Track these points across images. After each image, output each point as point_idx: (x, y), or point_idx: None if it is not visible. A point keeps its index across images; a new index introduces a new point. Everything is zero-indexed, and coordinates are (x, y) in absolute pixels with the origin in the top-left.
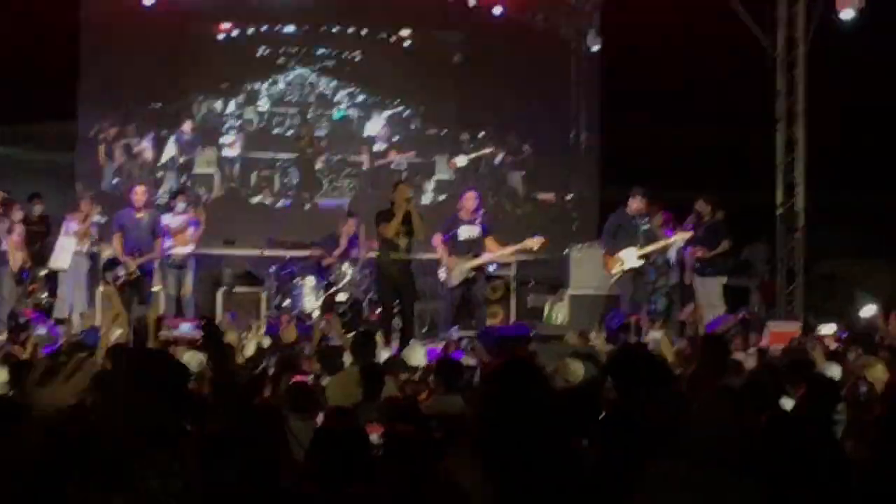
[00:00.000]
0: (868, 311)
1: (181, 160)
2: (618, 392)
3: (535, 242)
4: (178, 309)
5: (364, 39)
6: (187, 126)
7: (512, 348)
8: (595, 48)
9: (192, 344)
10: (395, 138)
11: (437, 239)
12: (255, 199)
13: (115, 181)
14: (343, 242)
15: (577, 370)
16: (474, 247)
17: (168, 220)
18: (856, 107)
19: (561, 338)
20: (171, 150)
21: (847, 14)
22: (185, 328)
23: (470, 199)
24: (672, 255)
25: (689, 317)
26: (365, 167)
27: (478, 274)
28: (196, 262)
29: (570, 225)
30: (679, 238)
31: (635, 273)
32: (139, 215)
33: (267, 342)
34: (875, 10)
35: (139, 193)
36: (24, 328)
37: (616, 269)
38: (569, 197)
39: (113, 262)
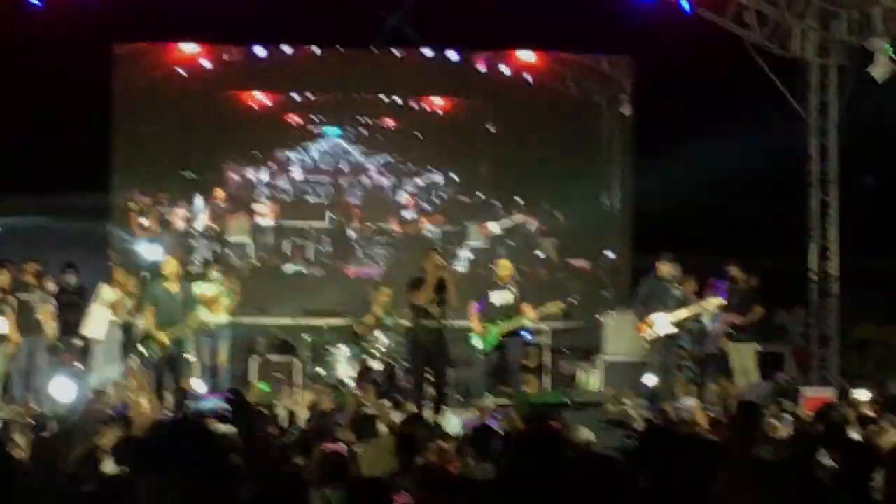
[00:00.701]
0: None
1: (214, 229)
2: (651, 472)
3: (555, 306)
4: (214, 378)
5: (397, 107)
6: (220, 194)
7: (545, 417)
8: (627, 113)
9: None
10: (428, 206)
11: (473, 307)
12: (289, 268)
13: (148, 250)
14: (377, 311)
15: (585, 435)
16: (509, 312)
17: (203, 289)
18: (888, 170)
19: (595, 404)
20: (203, 219)
21: (880, 75)
22: (211, 403)
23: (504, 268)
24: (706, 321)
25: (722, 385)
26: (397, 235)
27: (512, 340)
28: (230, 330)
29: (603, 291)
30: (712, 305)
31: (668, 339)
32: (171, 287)
33: (302, 410)
34: None
35: (171, 265)
36: None
37: (648, 335)
38: (602, 263)
39: (148, 337)
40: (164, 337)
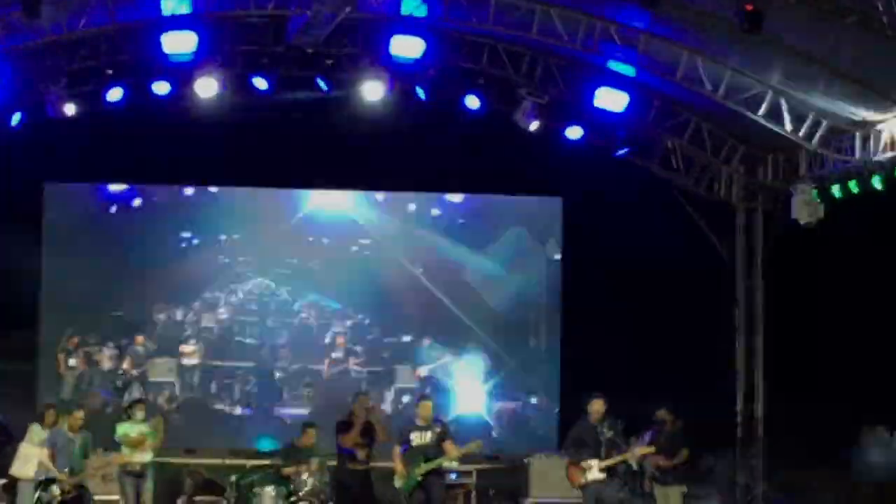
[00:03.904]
0: None
1: (134, 372)
2: None
3: (474, 444)
4: None
5: (324, 247)
6: (139, 339)
7: None
8: (556, 256)
9: None
10: (356, 347)
11: (395, 450)
12: (217, 407)
13: (74, 390)
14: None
15: None
16: (428, 451)
17: (126, 429)
18: (815, 315)
19: None
20: (128, 361)
21: (805, 219)
22: None
23: (424, 408)
24: (633, 463)
25: None
26: (324, 376)
27: (434, 479)
28: (154, 469)
29: (530, 433)
30: (639, 452)
31: (599, 484)
32: (72, 436)
33: None
34: (835, 218)
35: (76, 418)
36: None
37: (580, 481)
38: (529, 405)
39: (49, 481)
40: (67, 482)
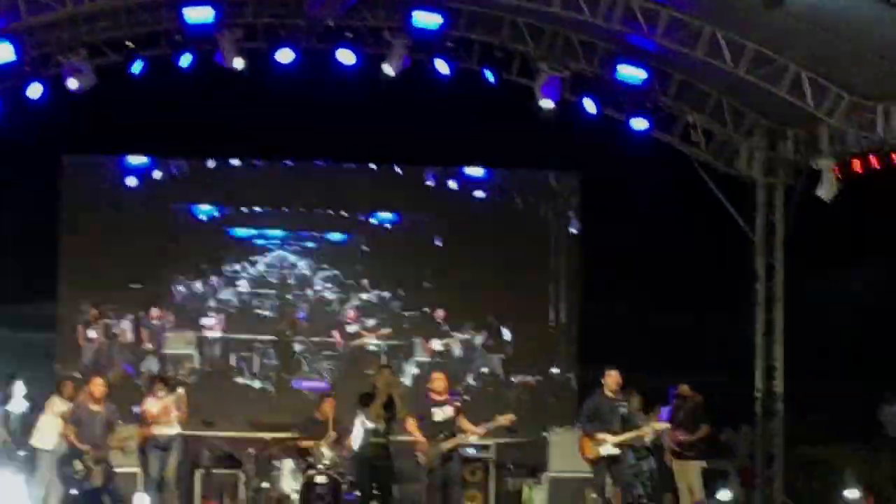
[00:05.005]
0: (852, 494)
1: (149, 345)
2: None
3: (505, 419)
4: (160, 491)
5: (343, 221)
6: (154, 312)
7: None
8: (574, 230)
9: None
10: (372, 320)
11: (411, 423)
12: (236, 380)
13: (94, 362)
14: (331, 426)
15: None
16: (449, 428)
17: (149, 405)
18: (834, 289)
19: None
20: (144, 334)
21: (827, 194)
22: None
23: (439, 381)
24: (648, 440)
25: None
26: (342, 349)
27: (454, 455)
28: (180, 443)
29: (548, 407)
30: (655, 428)
31: (612, 459)
32: (95, 408)
33: None
34: (856, 194)
35: (97, 386)
36: None
37: (592, 454)
38: (547, 379)
39: (72, 455)
40: (88, 453)
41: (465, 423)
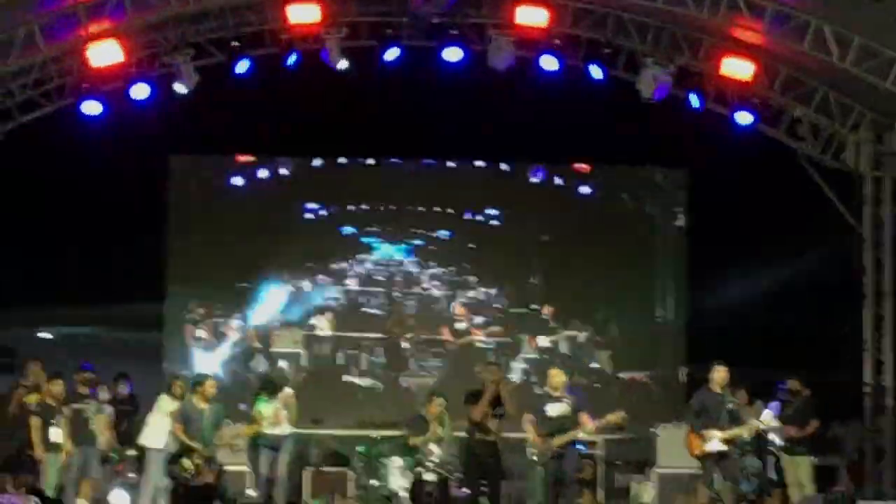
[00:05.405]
0: None
1: (256, 343)
2: None
3: (616, 417)
4: (270, 489)
5: (450, 218)
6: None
7: None
8: (681, 226)
9: None
10: (479, 318)
11: (528, 417)
12: (344, 378)
13: (202, 361)
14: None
15: None
16: (565, 423)
17: (262, 406)
18: None
19: None
20: (251, 333)
21: None
22: None
23: (556, 376)
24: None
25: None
26: (450, 346)
27: (569, 451)
28: (292, 441)
29: (655, 403)
30: (763, 423)
31: (720, 455)
32: (202, 406)
33: None
34: None
35: (209, 386)
36: None
37: (698, 451)
38: (654, 375)
39: (180, 455)
40: (196, 452)
41: (584, 417)
